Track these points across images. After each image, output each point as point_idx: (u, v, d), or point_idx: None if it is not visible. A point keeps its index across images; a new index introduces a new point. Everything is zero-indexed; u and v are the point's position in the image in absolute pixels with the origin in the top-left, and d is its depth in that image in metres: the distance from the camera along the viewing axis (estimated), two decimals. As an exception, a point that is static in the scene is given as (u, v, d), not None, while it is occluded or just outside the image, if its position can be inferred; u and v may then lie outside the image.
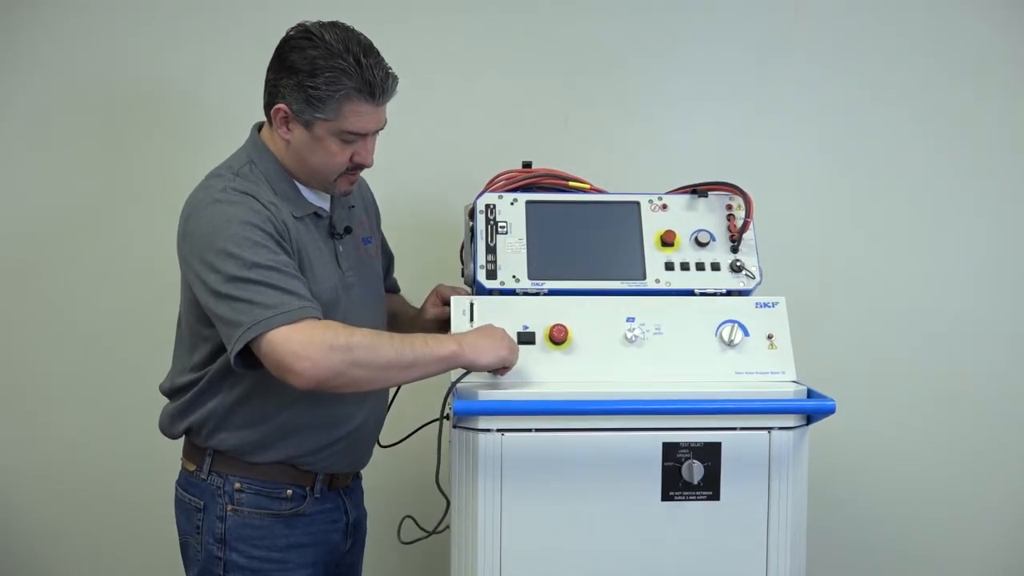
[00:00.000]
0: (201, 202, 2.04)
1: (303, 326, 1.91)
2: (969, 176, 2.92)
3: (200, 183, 2.11)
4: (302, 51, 2.02)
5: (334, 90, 2.00)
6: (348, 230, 2.21)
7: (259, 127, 2.17)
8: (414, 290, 2.54)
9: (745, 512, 2.03)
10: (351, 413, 2.18)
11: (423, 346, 1.96)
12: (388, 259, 2.50)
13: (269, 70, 2.08)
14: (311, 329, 1.91)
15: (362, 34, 2.07)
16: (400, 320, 2.46)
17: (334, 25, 2.05)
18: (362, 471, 2.35)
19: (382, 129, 2.12)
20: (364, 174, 2.23)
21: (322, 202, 2.18)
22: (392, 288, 2.52)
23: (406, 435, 2.47)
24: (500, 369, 2.03)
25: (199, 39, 2.81)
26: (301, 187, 2.15)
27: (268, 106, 2.09)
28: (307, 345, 1.89)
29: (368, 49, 2.04)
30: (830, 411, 2.00)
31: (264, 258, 1.95)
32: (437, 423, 2.06)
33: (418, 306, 2.49)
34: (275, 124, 2.08)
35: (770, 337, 2.12)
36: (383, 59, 2.06)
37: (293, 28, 2.06)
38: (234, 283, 1.93)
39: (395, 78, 2.07)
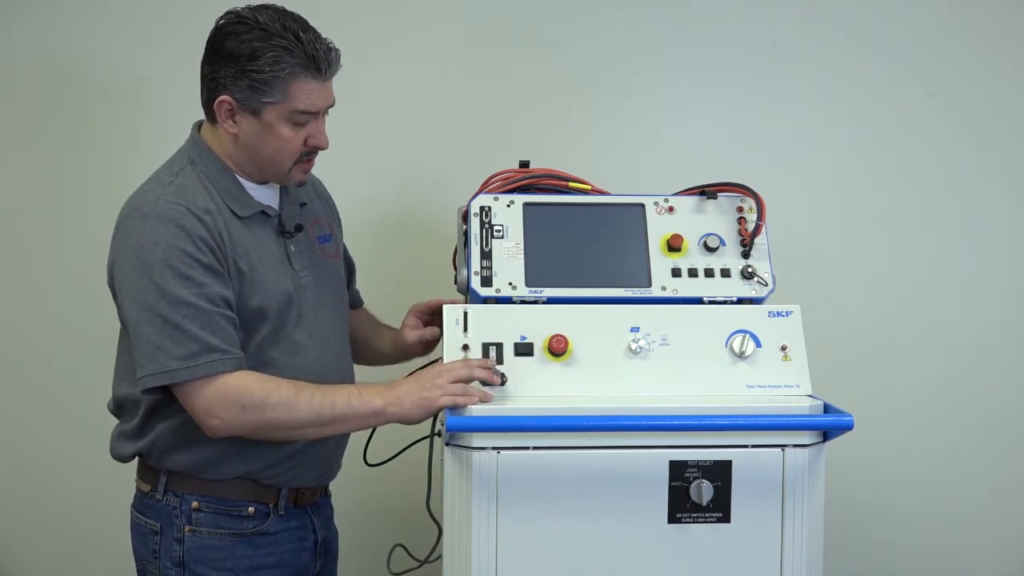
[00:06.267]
0: (133, 213, 2.01)
1: (215, 383, 1.93)
2: (997, 177, 2.89)
3: (140, 186, 2.08)
4: (237, 36, 2.01)
5: (279, 70, 1.99)
6: (299, 228, 2.17)
7: (199, 125, 2.16)
8: (403, 299, 2.48)
9: (757, 535, 1.98)
10: None
11: (345, 404, 1.97)
12: (349, 268, 2.46)
13: (204, 64, 2.07)
14: (223, 386, 1.94)
15: (295, 12, 2.05)
16: (372, 348, 2.43)
17: (264, 7, 2.05)
18: (339, 491, 2.30)
19: (331, 107, 2.11)
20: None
21: (270, 200, 2.15)
22: (355, 301, 2.47)
23: (394, 454, 2.42)
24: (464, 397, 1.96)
25: (141, 29, 2.78)
26: (247, 184, 2.12)
27: (209, 101, 2.07)
28: (218, 404, 1.93)
29: (305, 25, 2.04)
30: (848, 427, 1.95)
31: (187, 293, 1.94)
32: (427, 441, 2.05)
33: (390, 323, 2.45)
34: (219, 118, 2.06)
35: (784, 348, 2.08)
36: (320, 34, 2.05)
37: (222, 17, 2.06)
38: (150, 315, 1.94)
39: (337, 52, 2.07)
